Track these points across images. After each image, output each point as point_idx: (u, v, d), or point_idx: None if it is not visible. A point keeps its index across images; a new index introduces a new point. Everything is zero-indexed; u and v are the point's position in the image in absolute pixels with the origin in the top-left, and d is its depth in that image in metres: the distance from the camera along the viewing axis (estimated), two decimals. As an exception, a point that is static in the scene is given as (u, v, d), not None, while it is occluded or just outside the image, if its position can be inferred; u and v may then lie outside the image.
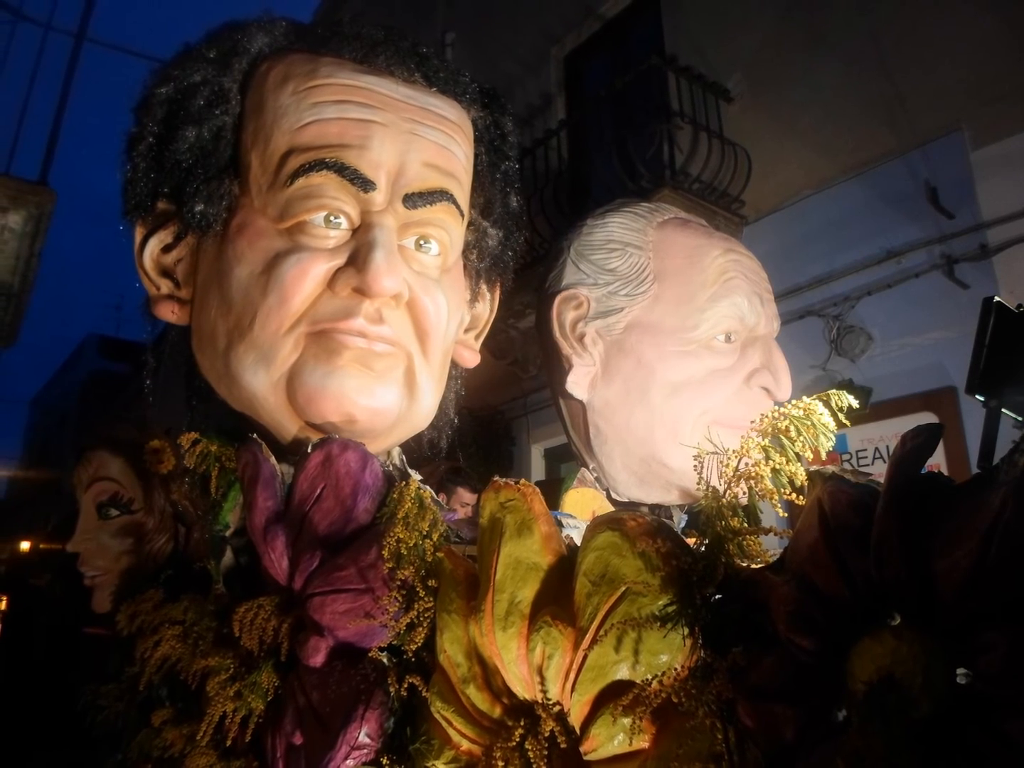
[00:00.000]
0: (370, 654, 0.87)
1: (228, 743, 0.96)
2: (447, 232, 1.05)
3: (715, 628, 0.65)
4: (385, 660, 0.86)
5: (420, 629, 0.82)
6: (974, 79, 4.60)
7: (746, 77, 5.90)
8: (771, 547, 0.71)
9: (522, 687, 0.74)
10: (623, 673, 0.66)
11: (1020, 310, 1.81)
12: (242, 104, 1.05)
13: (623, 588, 0.66)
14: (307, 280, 0.95)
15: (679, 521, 1.26)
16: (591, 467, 1.28)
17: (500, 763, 0.72)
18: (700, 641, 0.65)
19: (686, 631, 0.64)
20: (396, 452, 1.11)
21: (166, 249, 1.09)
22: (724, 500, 0.69)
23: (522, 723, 0.73)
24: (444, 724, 0.80)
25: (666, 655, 0.65)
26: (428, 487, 0.93)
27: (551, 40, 7.65)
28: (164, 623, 1.14)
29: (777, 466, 0.69)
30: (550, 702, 0.71)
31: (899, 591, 0.53)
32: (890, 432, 4.58)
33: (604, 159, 6.16)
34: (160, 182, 1.05)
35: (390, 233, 0.97)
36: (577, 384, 1.24)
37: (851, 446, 4.83)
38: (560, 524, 0.79)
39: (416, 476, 1.01)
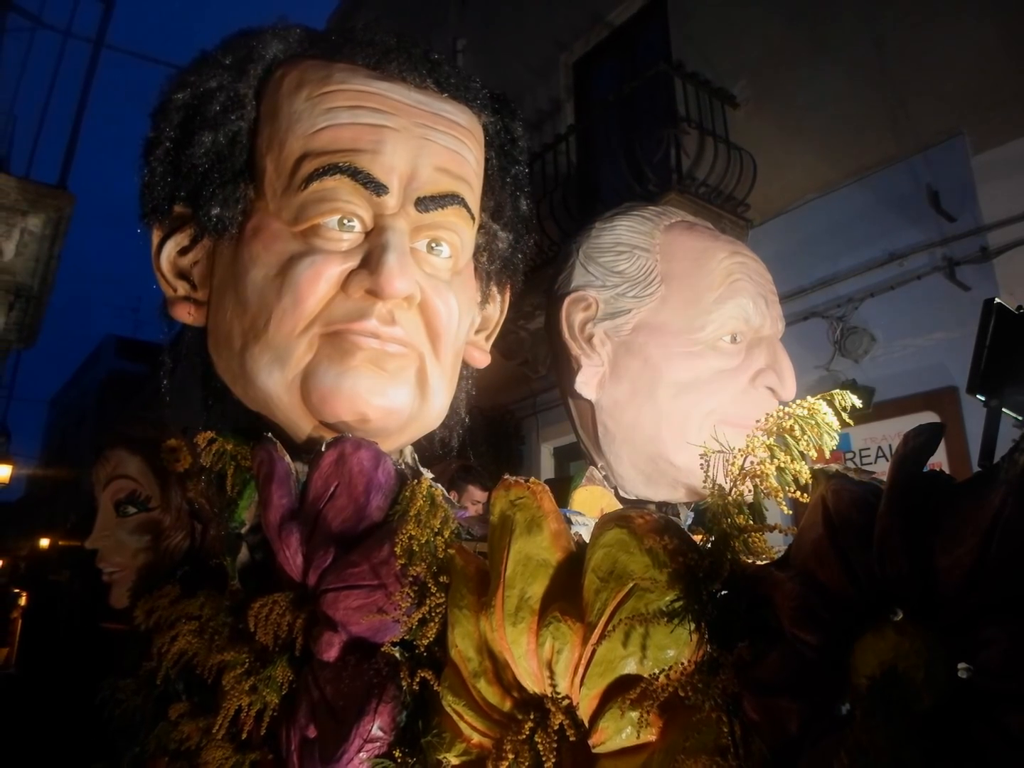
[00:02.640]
0: (383, 649, 0.88)
1: (243, 736, 0.97)
2: (458, 235, 1.06)
3: (721, 623, 0.65)
4: (397, 655, 0.87)
5: (432, 624, 0.83)
6: (975, 86, 4.59)
7: (752, 83, 5.89)
8: (776, 544, 0.72)
9: (532, 681, 0.75)
10: (631, 668, 0.67)
11: (1020, 311, 1.81)
12: (257, 110, 1.06)
13: (631, 584, 0.67)
14: (321, 282, 0.97)
15: (686, 519, 1.27)
16: (599, 465, 1.28)
17: (510, 756, 0.73)
18: (706, 636, 0.66)
19: (693, 626, 0.65)
20: (408, 451, 1.12)
21: (183, 252, 1.11)
22: (730, 498, 0.70)
23: (532, 717, 0.74)
24: (455, 717, 0.81)
25: (673, 650, 0.66)
26: (439, 485, 0.94)
27: (560, 47, 7.64)
28: (181, 618, 1.15)
29: (782, 464, 0.70)
30: (559, 696, 0.72)
31: (901, 587, 0.53)
32: (893, 431, 4.55)
33: (612, 163, 6.14)
34: (177, 186, 1.07)
35: (402, 236, 0.98)
36: (586, 384, 1.25)
37: (854, 445, 4.81)
38: (569, 521, 0.80)
39: (428, 474, 1.02)
